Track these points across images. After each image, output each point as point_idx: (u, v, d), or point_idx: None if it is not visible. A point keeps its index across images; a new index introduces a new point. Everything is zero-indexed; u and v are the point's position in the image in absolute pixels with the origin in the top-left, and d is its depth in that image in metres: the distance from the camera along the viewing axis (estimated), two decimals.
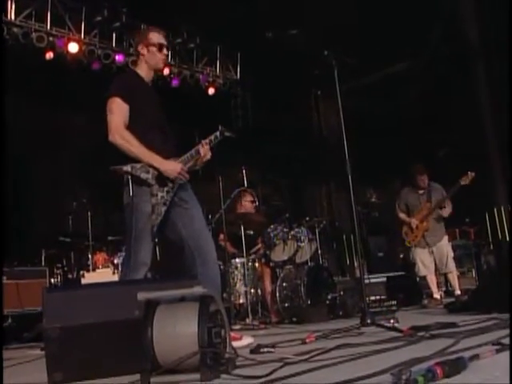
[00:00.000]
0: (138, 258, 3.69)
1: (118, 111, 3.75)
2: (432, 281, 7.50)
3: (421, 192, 7.60)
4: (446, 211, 7.42)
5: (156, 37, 4.03)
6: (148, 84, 4.05)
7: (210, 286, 3.54)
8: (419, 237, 7.47)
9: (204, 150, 3.98)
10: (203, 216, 4.06)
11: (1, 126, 6.56)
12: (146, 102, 3.90)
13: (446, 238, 7.57)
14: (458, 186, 7.26)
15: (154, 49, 3.99)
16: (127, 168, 3.68)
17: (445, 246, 7.48)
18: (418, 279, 7.84)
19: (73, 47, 8.74)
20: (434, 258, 7.46)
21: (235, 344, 3.51)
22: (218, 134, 4.12)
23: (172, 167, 3.77)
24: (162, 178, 3.75)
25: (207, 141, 4.03)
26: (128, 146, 3.70)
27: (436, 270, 7.56)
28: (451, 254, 7.50)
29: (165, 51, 4.05)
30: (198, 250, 3.81)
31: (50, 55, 8.59)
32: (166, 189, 3.76)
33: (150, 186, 3.71)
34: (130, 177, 3.67)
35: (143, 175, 3.70)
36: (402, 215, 7.67)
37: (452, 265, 7.44)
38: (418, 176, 7.59)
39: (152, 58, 4.00)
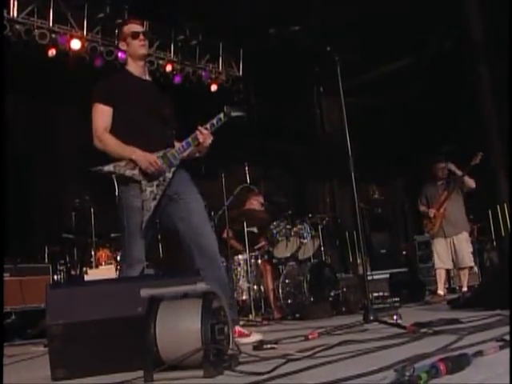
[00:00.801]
0: (132, 254, 3.67)
1: (97, 116, 3.80)
2: (440, 275, 7.49)
3: (439, 183, 7.69)
4: (469, 183, 7.46)
5: (129, 27, 4.00)
6: (140, 77, 3.98)
7: (211, 280, 3.55)
8: (437, 225, 7.49)
9: (203, 136, 3.86)
10: (204, 210, 3.98)
11: (2, 123, 6.55)
12: (134, 98, 3.84)
13: (465, 233, 7.55)
14: (470, 166, 7.34)
15: (130, 39, 3.96)
16: (109, 168, 3.66)
17: (464, 240, 7.46)
18: (420, 275, 7.83)
19: (75, 44, 8.73)
20: (452, 251, 7.45)
21: (244, 340, 3.53)
22: (221, 116, 3.95)
23: (143, 157, 3.67)
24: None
25: (207, 125, 3.90)
26: (106, 146, 3.72)
27: (454, 264, 7.55)
28: (470, 249, 7.49)
29: (141, 37, 3.96)
30: (196, 244, 3.75)
31: (52, 52, 8.58)
32: (155, 183, 3.69)
33: (137, 182, 3.67)
34: (113, 176, 3.65)
35: (128, 172, 3.66)
36: (422, 207, 7.75)
37: (469, 260, 7.42)
38: (437, 167, 7.67)
39: (133, 48, 3.96)
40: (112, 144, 3.72)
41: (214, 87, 10.60)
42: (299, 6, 8.81)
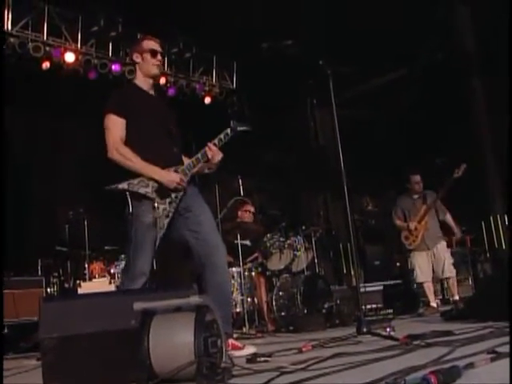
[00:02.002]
0: (136, 268, 3.69)
1: (113, 127, 3.77)
2: (429, 288, 7.51)
3: (415, 197, 7.69)
4: (456, 232, 7.72)
5: (149, 44, 4.04)
6: (148, 92, 4.03)
7: (218, 294, 3.57)
8: (419, 238, 7.50)
9: (212, 152, 3.91)
10: (214, 221, 4.03)
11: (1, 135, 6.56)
12: (145, 112, 3.88)
13: (443, 242, 7.59)
14: (452, 179, 7.34)
15: (147, 56, 4.00)
16: (123, 185, 3.69)
17: (442, 250, 7.49)
18: (415, 286, 7.83)
19: (69, 57, 8.75)
20: (432, 263, 7.47)
21: (237, 353, 3.53)
22: (228, 131, 4.02)
23: (170, 178, 3.75)
24: (163, 190, 3.73)
25: (215, 141, 3.96)
26: (125, 160, 3.72)
27: (434, 276, 7.56)
28: (450, 260, 7.50)
29: (158, 57, 4.02)
30: (206, 256, 3.79)
31: (46, 65, 8.61)
32: (168, 200, 3.75)
33: (150, 199, 3.71)
34: (127, 193, 3.68)
35: (142, 190, 3.70)
36: (399, 222, 7.73)
37: (449, 271, 7.42)
38: (413, 180, 7.68)
39: (147, 65, 4.00)
40: (133, 159, 3.72)
41: (207, 100, 10.64)
42: (292, 20, 8.89)
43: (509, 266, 4.54)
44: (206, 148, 3.93)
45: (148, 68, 4.01)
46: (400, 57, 10.44)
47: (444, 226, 7.69)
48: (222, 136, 4.01)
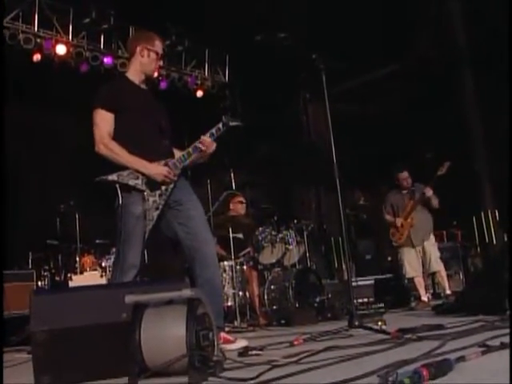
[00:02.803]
0: (126, 260, 3.68)
1: (101, 122, 3.76)
2: (420, 283, 7.54)
3: (404, 192, 7.70)
4: (434, 202, 7.44)
5: (159, 45, 4.04)
6: (139, 86, 4.01)
7: (208, 288, 3.57)
8: (405, 235, 7.50)
9: (206, 143, 3.91)
10: (204, 216, 4.03)
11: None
12: (135, 106, 3.86)
13: (432, 237, 7.59)
14: (435, 177, 7.31)
15: (153, 55, 3.99)
16: (113, 177, 3.67)
17: (429, 245, 7.49)
18: (406, 281, 7.86)
19: (60, 49, 8.71)
20: (422, 258, 7.50)
21: (229, 347, 3.53)
22: (220, 126, 4.01)
23: (157, 171, 3.74)
24: (153, 182, 3.73)
25: (208, 134, 3.94)
26: (112, 154, 3.70)
27: (424, 271, 7.59)
28: (437, 254, 7.51)
29: (160, 61, 4.06)
30: (196, 250, 3.79)
31: (37, 57, 8.57)
32: (158, 192, 3.74)
33: (140, 191, 3.71)
34: (117, 185, 3.67)
35: (131, 182, 3.69)
36: (388, 217, 7.75)
37: (436, 265, 7.44)
38: (401, 177, 7.68)
39: (149, 64, 3.99)
40: (120, 153, 3.71)
41: (199, 93, 10.63)
42: (285, 13, 8.88)
43: (509, 259, 4.54)
44: (198, 142, 3.92)
45: (149, 67, 4.01)
46: (392, 52, 10.45)
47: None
48: (213, 130, 3.99)
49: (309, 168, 11.95)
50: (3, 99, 6.34)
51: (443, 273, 7.61)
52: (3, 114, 6.27)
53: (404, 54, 10.85)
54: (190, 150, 3.92)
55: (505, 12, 8.22)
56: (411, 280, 7.62)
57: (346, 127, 8.78)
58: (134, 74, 4.02)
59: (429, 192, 7.34)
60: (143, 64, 3.99)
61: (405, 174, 7.70)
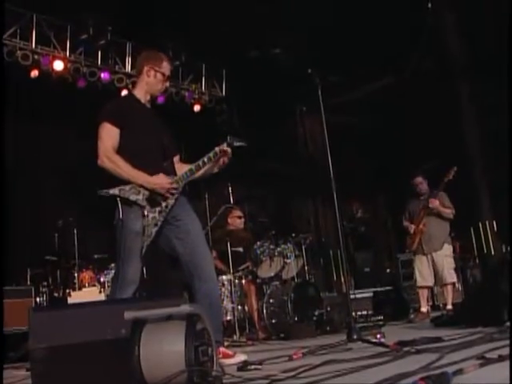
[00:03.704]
0: (126, 276, 3.69)
1: (106, 136, 3.80)
2: (422, 294, 7.43)
3: (422, 198, 7.58)
4: (446, 212, 7.37)
5: (168, 67, 4.07)
6: (145, 105, 4.05)
7: (207, 303, 3.58)
8: (416, 242, 7.39)
9: (225, 155, 3.98)
10: (202, 231, 4.05)
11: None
12: (140, 124, 3.91)
13: (446, 247, 7.38)
14: (443, 184, 7.28)
15: (160, 76, 4.02)
16: (115, 191, 3.71)
17: (442, 256, 7.29)
18: (405, 294, 7.84)
19: (58, 65, 8.74)
20: (432, 268, 7.32)
21: (228, 361, 3.54)
22: (224, 146, 4.01)
23: (159, 181, 3.77)
24: (153, 199, 3.76)
25: (210, 155, 3.95)
26: (115, 167, 3.74)
27: (436, 280, 7.42)
28: (450, 265, 7.33)
29: (167, 82, 4.11)
30: (194, 265, 3.81)
31: (35, 73, 8.59)
32: (158, 209, 3.77)
33: (140, 206, 3.73)
34: (118, 199, 3.70)
35: (132, 197, 3.72)
36: (406, 223, 7.63)
37: (449, 276, 7.25)
38: (415, 182, 7.64)
39: (155, 84, 4.03)
40: (124, 167, 3.75)
41: (197, 107, 10.65)
42: (281, 28, 8.93)
43: (509, 269, 4.55)
44: (201, 160, 3.94)
45: (155, 87, 4.05)
46: (388, 63, 10.51)
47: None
48: (217, 150, 3.99)
49: (307, 181, 11.97)
50: (3, 102, 6.34)
51: (453, 286, 7.48)
52: (3, 117, 6.28)
53: (399, 66, 10.91)
54: (193, 167, 3.95)
55: (499, 21, 8.28)
56: (412, 291, 7.52)
57: (344, 139, 8.81)
58: (140, 92, 4.06)
59: (433, 203, 7.31)
60: (149, 84, 4.02)
61: (419, 179, 7.63)
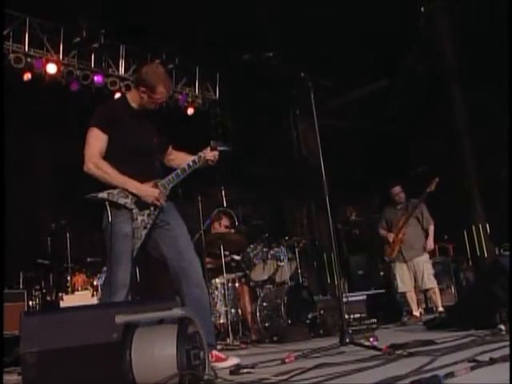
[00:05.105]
0: (117, 279, 3.69)
1: (93, 141, 3.79)
2: (412, 298, 7.56)
3: (399, 207, 7.75)
4: (429, 243, 7.54)
5: (163, 94, 3.94)
6: (137, 110, 4.01)
7: (197, 307, 3.57)
8: (396, 250, 7.56)
9: (212, 156, 4.03)
10: (188, 235, 4.05)
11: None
12: (130, 129, 3.89)
13: (425, 254, 7.58)
14: (425, 194, 7.43)
15: (156, 97, 3.91)
16: (103, 195, 3.72)
17: (422, 262, 7.49)
18: (397, 296, 7.86)
19: (51, 68, 8.73)
20: (414, 274, 7.50)
21: (221, 365, 3.53)
22: (208, 151, 4.05)
23: (149, 192, 3.78)
24: (142, 202, 3.77)
25: (195, 158, 4.01)
26: (102, 174, 3.74)
27: (416, 286, 7.59)
28: (429, 271, 7.52)
29: (163, 103, 4.14)
30: (182, 270, 3.83)
31: (27, 76, 8.57)
32: (146, 212, 3.79)
33: (129, 210, 3.74)
34: (107, 203, 3.70)
35: (121, 200, 3.73)
36: (383, 231, 7.81)
37: (429, 282, 7.44)
38: (393, 192, 7.74)
39: (149, 104, 3.96)
40: (111, 173, 3.75)
41: (190, 111, 10.65)
42: (275, 31, 8.95)
43: (510, 269, 4.55)
44: (188, 163, 3.98)
45: (148, 105, 3.98)
46: (381, 68, 10.54)
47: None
48: (201, 154, 4.04)
49: (300, 184, 11.97)
50: (3, 100, 6.32)
51: (436, 290, 7.61)
52: (3, 117, 6.25)
53: (392, 70, 10.94)
54: (179, 171, 3.97)
55: (492, 24, 8.32)
56: (403, 295, 7.64)
57: (337, 143, 8.82)
58: (134, 100, 4.01)
59: (431, 247, 7.59)
60: (143, 101, 3.97)
61: (397, 189, 7.76)
